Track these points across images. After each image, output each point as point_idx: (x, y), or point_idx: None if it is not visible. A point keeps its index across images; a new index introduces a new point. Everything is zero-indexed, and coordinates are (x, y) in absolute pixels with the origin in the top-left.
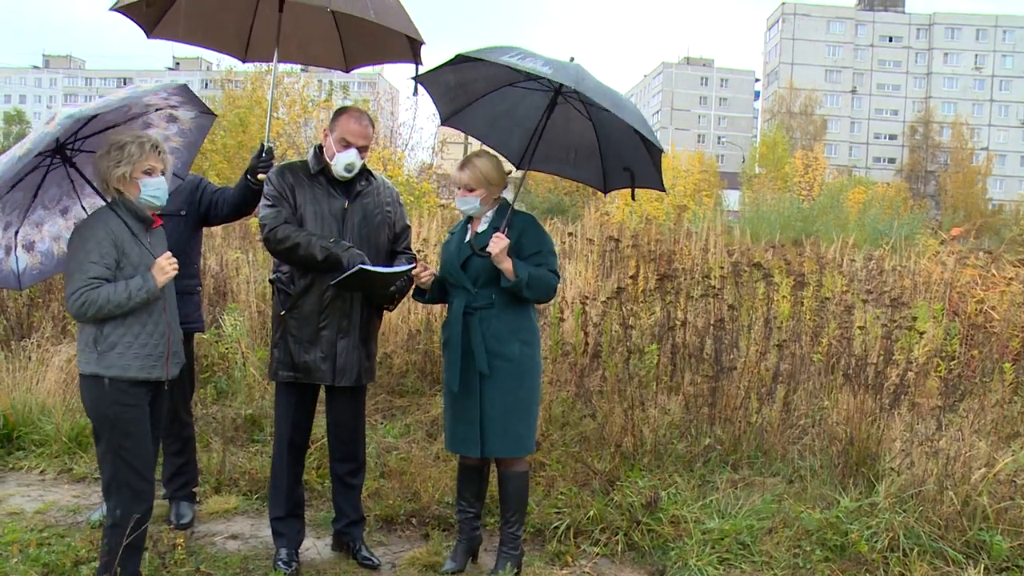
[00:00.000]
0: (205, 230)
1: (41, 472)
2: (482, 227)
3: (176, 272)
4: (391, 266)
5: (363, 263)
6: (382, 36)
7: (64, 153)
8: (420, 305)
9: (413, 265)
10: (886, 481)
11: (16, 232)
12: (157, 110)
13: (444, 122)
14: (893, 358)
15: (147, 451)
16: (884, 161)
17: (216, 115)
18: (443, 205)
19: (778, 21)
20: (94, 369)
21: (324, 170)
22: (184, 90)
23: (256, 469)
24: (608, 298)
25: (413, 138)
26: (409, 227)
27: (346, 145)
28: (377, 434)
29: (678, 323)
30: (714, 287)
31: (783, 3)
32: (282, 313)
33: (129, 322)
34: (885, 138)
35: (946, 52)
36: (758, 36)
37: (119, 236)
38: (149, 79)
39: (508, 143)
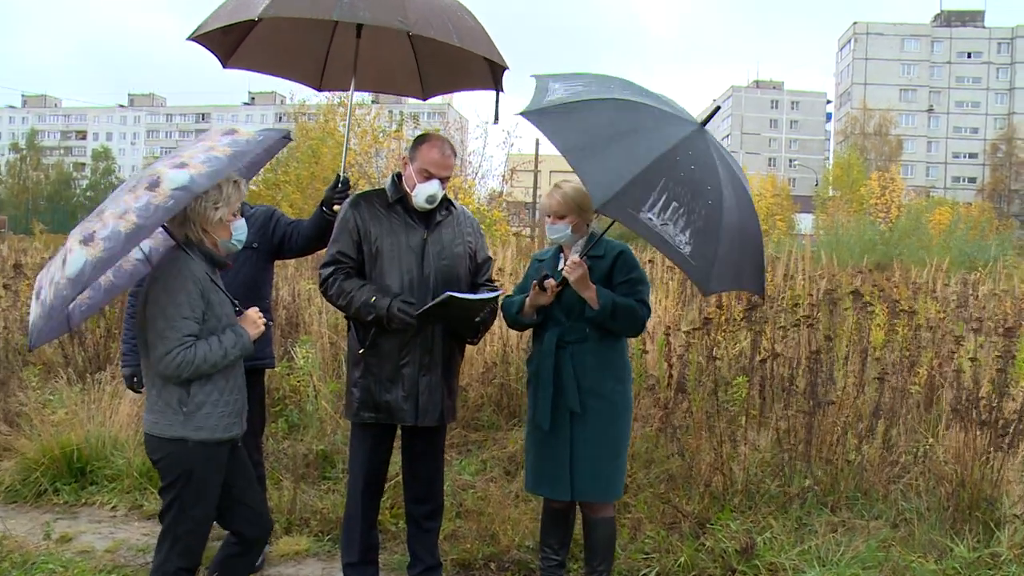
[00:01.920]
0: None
1: (112, 508)
2: (572, 256)
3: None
4: (478, 294)
5: (440, 298)
6: (462, 62)
7: None
8: (496, 336)
9: (500, 292)
10: (1008, 529)
11: None
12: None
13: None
14: (1008, 391)
15: (211, 512)
16: (964, 180)
17: (291, 138)
18: (517, 233)
19: (850, 41)
20: (180, 432)
21: (402, 199)
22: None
23: (328, 508)
24: (694, 328)
25: (483, 166)
26: (491, 259)
27: (428, 176)
28: (452, 471)
29: (768, 354)
30: (809, 316)
31: (855, 23)
32: (360, 351)
33: (215, 379)
34: (965, 157)
35: None
36: (829, 57)
37: (203, 285)
38: (226, 114)
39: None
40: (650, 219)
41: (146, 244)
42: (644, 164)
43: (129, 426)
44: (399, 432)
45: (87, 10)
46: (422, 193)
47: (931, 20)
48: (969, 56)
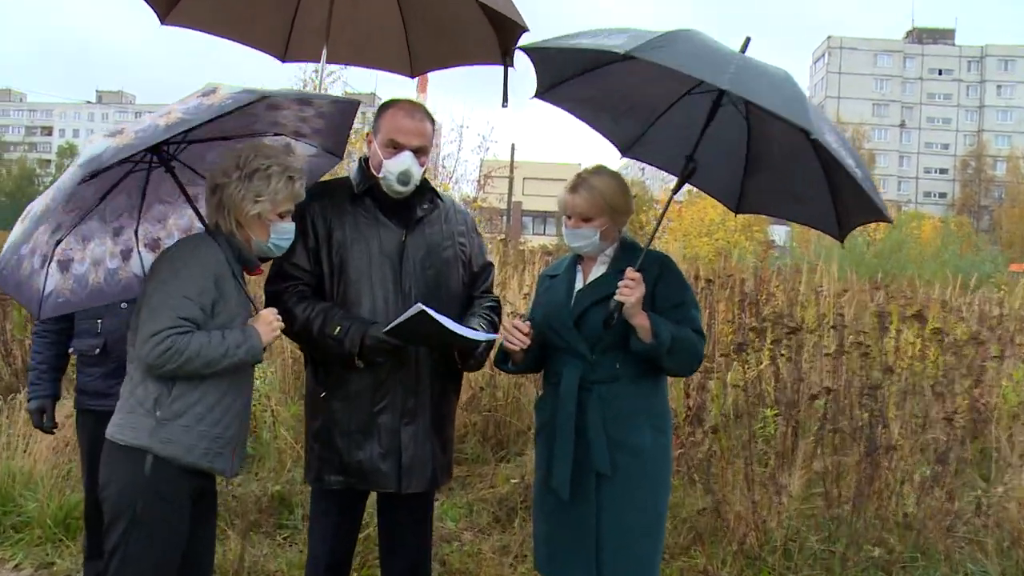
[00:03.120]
0: None
1: (16, 567)
2: (598, 270)
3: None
4: (468, 327)
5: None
6: (461, 27)
7: (162, 155)
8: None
9: (494, 336)
10: None
11: (58, 243)
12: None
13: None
14: None
15: (166, 569)
16: (935, 196)
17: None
18: (504, 240)
19: (824, 55)
20: (145, 441)
21: (372, 190)
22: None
23: (284, 569)
24: (724, 355)
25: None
26: (491, 264)
27: (396, 148)
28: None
29: (819, 389)
30: (862, 343)
31: (829, 37)
32: (322, 395)
33: (207, 386)
34: (935, 172)
35: (999, 84)
36: (803, 70)
37: (221, 272)
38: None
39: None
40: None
41: (149, 258)
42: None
43: (47, 459)
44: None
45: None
46: (392, 170)
47: (903, 37)
48: (940, 73)
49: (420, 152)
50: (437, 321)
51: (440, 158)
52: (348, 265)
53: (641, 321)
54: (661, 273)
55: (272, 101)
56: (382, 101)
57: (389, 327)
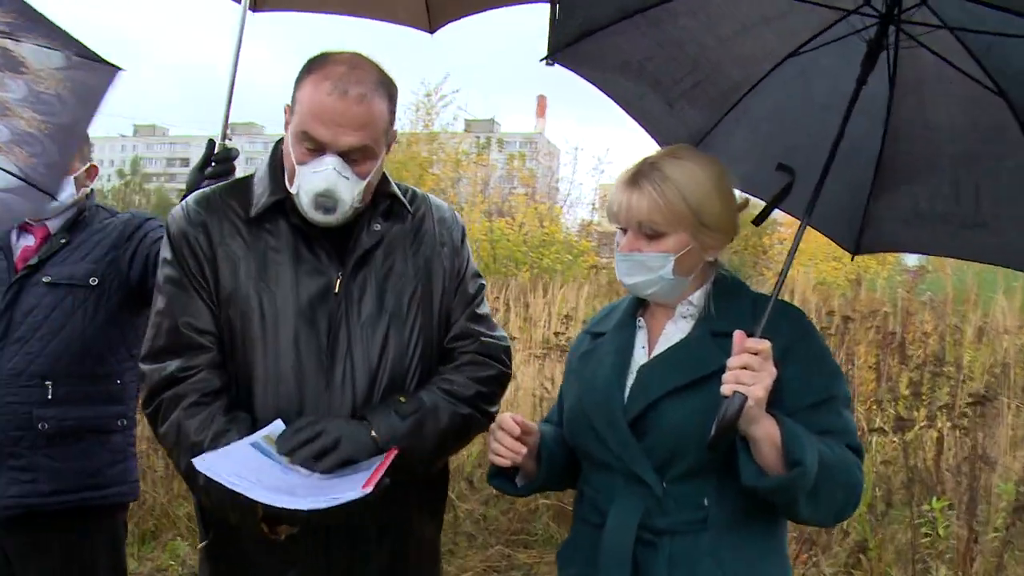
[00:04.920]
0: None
1: None
2: (676, 330)
3: None
4: (333, 494)
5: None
6: None
7: None
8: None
9: (384, 457)
10: None
11: None
12: None
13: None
14: None
15: None
16: None
17: (120, 67)
18: (595, 266)
19: None
20: None
21: (282, 206)
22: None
23: None
24: (873, 428)
25: (572, 194)
26: (483, 286)
27: (313, 149)
28: None
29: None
30: None
31: None
32: (202, 544)
33: None
34: None
35: None
36: None
37: None
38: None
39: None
40: None
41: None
42: None
43: None
44: None
45: (195, 46)
46: (305, 187)
47: None
48: None
49: (358, 156)
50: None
51: (555, 181)
52: (251, 325)
53: (766, 432)
54: (791, 343)
55: None
56: (315, 55)
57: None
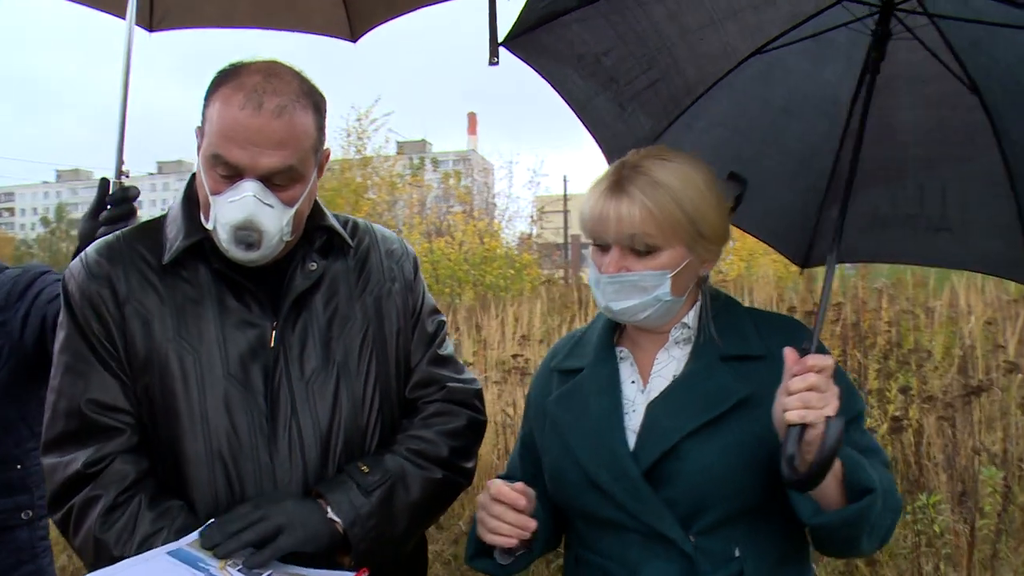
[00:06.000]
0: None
1: None
2: (673, 357)
3: None
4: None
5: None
6: None
7: None
8: None
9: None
10: None
11: None
12: None
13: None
14: None
15: None
16: None
17: None
18: (548, 280)
19: None
20: None
21: (201, 248)
22: None
23: None
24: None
25: (510, 208)
26: (443, 323)
27: (228, 176)
28: None
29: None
30: None
31: None
32: None
33: None
34: None
35: None
36: None
37: None
38: None
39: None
40: None
41: None
42: None
43: None
44: None
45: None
46: (222, 219)
47: None
48: None
49: (282, 180)
50: None
51: (491, 196)
52: (167, 402)
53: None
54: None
55: None
56: (227, 65)
57: None
